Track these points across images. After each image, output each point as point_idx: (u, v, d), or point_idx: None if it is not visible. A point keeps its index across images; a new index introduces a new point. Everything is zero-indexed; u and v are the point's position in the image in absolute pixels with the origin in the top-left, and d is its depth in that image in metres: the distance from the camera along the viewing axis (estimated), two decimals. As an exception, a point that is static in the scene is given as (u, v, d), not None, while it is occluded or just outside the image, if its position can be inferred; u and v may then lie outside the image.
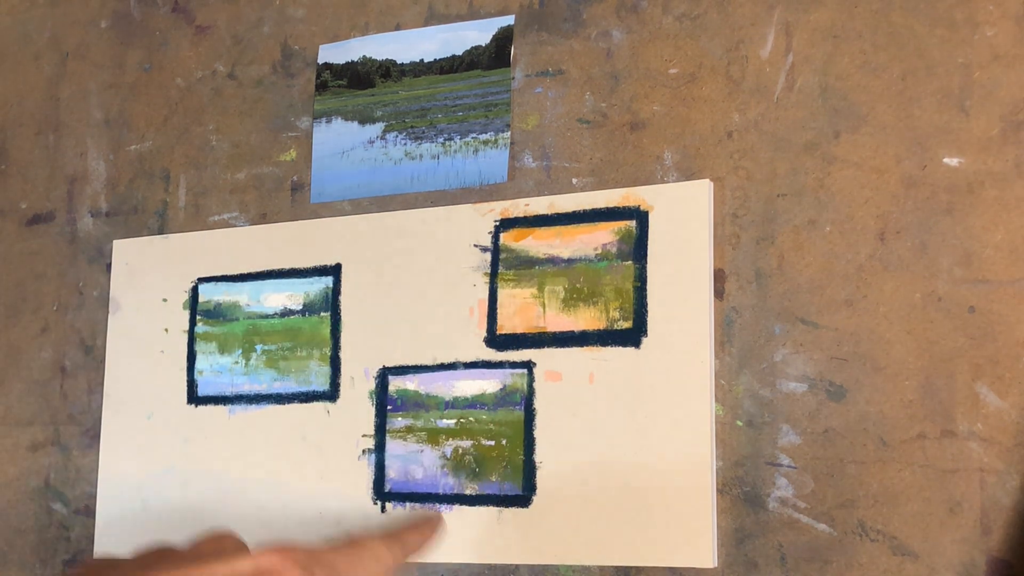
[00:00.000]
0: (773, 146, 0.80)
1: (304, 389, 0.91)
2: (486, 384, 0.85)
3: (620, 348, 0.81)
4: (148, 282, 0.99)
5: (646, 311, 0.80)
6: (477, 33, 0.91)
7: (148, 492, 0.95)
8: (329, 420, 0.89)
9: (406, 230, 0.89)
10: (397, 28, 0.95)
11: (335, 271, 0.92)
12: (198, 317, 0.97)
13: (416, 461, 0.86)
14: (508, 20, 0.90)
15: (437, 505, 0.84)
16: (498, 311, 0.85)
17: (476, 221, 0.87)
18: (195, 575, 0.47)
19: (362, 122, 0.94)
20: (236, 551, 0.49)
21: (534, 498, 0.82)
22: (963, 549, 0.71)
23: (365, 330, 0.90)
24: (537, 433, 0.82)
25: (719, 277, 0.80)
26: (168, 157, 1.02)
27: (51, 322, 1.05)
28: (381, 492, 0.87)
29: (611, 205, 0.83)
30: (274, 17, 1.00)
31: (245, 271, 0.95)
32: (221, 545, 0.50)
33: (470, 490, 0.84)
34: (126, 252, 1.01)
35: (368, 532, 0.54)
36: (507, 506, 0.82)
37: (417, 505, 0.85)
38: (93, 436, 1.00)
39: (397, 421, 0.87)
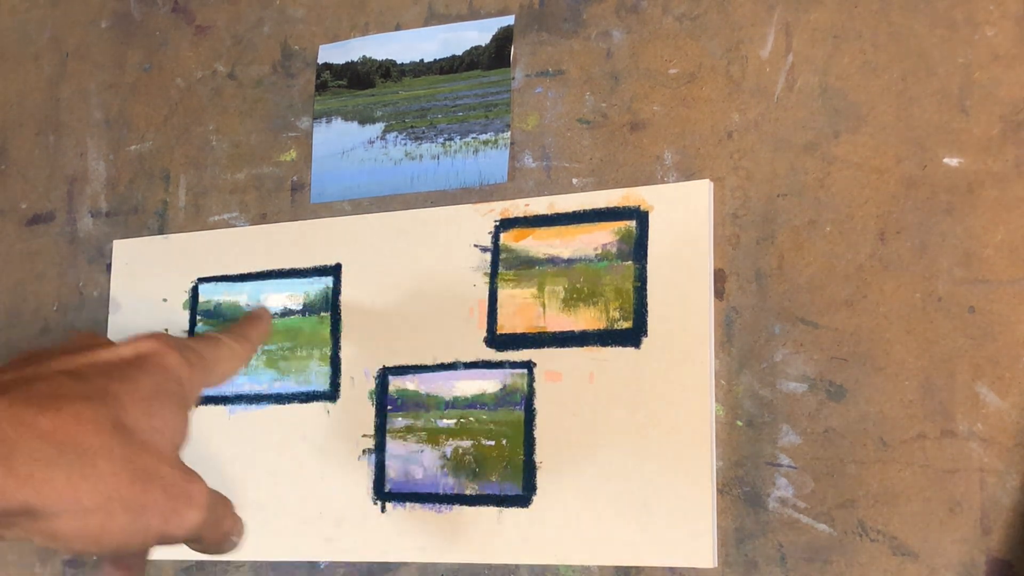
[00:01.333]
0: (773, 146, 0.80)
1: (304, 389, 0.91)
2: (486, 384, 0.85)
3: (620, 348, 0.81)
4: (148, 282, 0.99)
5: (646, 311, 0.80)
6: (477, 33, 0.91)
7: (148, 492, 0.95)
8: (329, 420, 0.89)
9: (406, 230, 0.89)
10: (397, 28, 0.95)
11: (335, 271, 0.92)
12: (198, 317, 0.97)
13: (416, 461, 0.86)
14: (508, 20, 0.90)
15: (437, 505, 0.84)
16: (498, 311, 0.85)
17: (476, 221, 0.87)
18: (81, 363, 0.48)
19: (362, 122, 0.94)
20: (110, 342, 0.51)
21: (534, 498, 0.82)
22: (963, 549, 0.71)
23: (365, 330, 0.90)
24: (537, 433, 0.82)
25: (719, 277, 0.80)
26: (168, 157, 1.02)
27: (51, 322, 1.05)
28: (381, 492, 0.87)
29: (611, 205, 0.83)
30: (274, 17, 1.00)
31: (245, 271, 0.95)
32: (93, 339, 0.52)
33: (470, 490, 0.84)
34: (126, 252, 1.01)
35: (215, 331, 0.59)
36: (507, 506, 0.82)
37: (417, 505, 0.85)
38: (93, 436, 1.00)
39: (397, 421, 0.87)
